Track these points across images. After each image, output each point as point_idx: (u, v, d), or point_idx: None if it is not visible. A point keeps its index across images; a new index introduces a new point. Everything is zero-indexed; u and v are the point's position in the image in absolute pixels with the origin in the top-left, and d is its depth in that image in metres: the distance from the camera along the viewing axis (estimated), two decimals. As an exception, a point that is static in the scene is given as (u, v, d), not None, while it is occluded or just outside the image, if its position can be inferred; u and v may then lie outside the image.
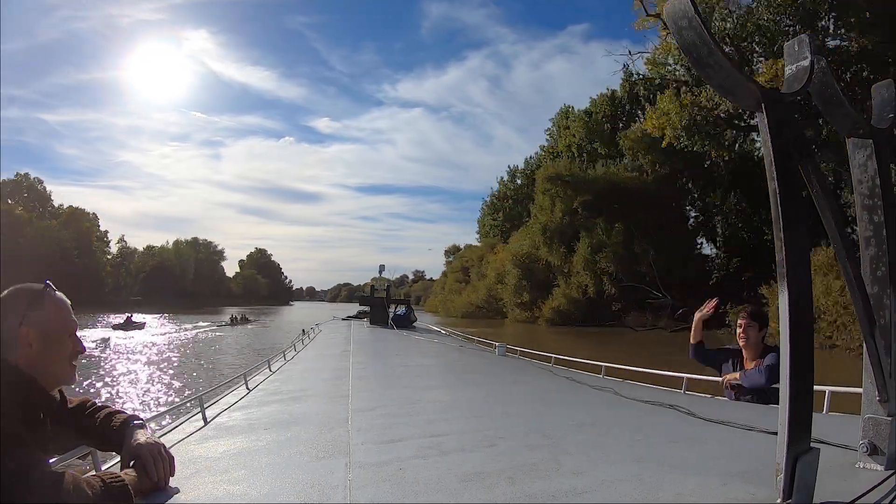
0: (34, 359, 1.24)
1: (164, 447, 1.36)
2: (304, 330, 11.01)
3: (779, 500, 1.03)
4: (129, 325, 27.49)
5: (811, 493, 1.05)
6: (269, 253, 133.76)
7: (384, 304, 14.26)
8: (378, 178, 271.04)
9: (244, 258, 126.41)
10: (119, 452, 1.39)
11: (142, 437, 1.35)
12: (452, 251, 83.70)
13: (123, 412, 1.46)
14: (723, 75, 1.05)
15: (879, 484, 1.20)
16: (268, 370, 4.54)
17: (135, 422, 1.41)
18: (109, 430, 1.40)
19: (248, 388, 3.48)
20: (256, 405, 2.93)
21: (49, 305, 1.29)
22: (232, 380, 3.68)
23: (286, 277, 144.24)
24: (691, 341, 3.31)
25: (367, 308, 15.42)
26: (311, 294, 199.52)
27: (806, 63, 1.21)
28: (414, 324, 13.81)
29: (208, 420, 2.46)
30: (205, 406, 2.58)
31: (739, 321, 3.16)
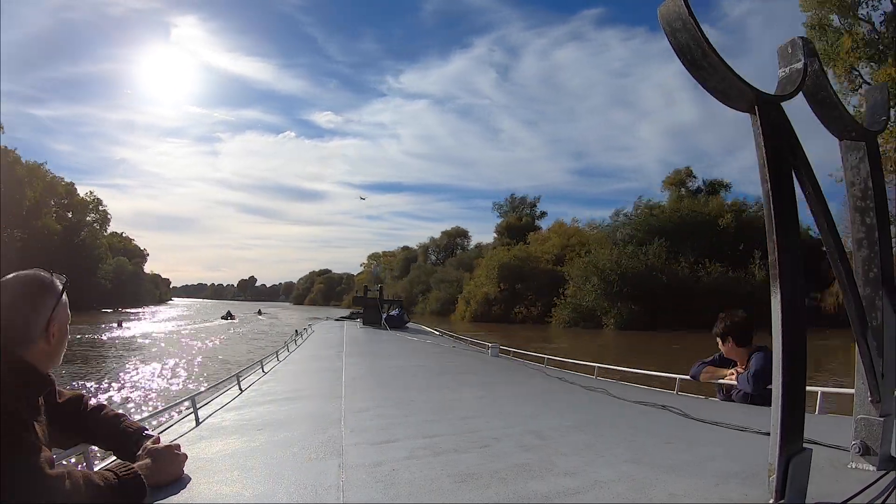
0: (47, 353, 1.23)
1: (178, 447, 1.46)
2: (297, 330, 10.99)
3: (771, 501, 1.03)
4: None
5: (804, 493, 1.05)
6: (64, 181, 58.99)
7: (377, 304, 14.26)
8: (382, 176, 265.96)
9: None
10: (123, 455, 1.43)
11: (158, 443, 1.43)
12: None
13: (128, 417, 1.52)
14: (717, 78, 1.05)
15: (871, 484, 1.21)
16: (261, 371, 4.52)
17: (146, 432, 1.49)
18: (120, 432, 1.44)
19: (240, 389, 3.46)
20: (249, 406, 2.92)
21: (64, 301, 1.29)
22: (224, 380, 3.66)
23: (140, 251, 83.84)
24: (701, 379, 3.31)
25: (360, 309, 15.43)
26: (287, 291, 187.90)
27: (799, 65, 1.22)
28: (407, 325, 13.83)
29: (201, 421, 2.44)
30: (197, 406, 2.56)
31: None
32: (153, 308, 74.28)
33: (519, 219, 58.51)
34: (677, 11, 1.02)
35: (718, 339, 3.17)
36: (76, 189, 62.37)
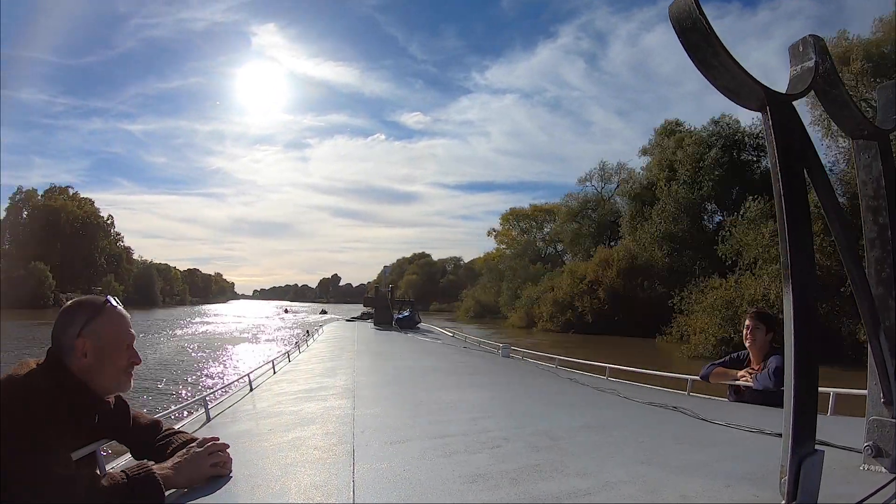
0: (87, 368, 1.33)
1: (212, 449, 1.48)
2: (307, 331, 11.05)
3: (783, 502, 1.02)
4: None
5: (815, 495, 1.04)
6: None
7: (388, 305, 14.29)
8: (473, 175, 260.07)
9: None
10: (137, 451, 1.53)
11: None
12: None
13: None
14: (728, 76, 1.05)
15: (884, 486, 1.19)
16: (271, 371, 4.56)
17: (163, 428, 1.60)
18: (136, 426, 1.53)
19: (251, 389, 3.49)
20: (260, 406, 2.94)
21: (106, 318, 1.37)
22: (236, 380, 3.70)
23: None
24: (711, 380, 3.28)
25: (370, 309, 15.46)
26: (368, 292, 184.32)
27: (811, 64, 1.21)
28: (418, 325, 13.86)
29: (211, 419, 2.47)
30: (209, 406, 2.59)
31: (747, 322, 3.16)
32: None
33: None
34: (687, 10, 1.02)
35: (763, 325, 3.12)
36: None
